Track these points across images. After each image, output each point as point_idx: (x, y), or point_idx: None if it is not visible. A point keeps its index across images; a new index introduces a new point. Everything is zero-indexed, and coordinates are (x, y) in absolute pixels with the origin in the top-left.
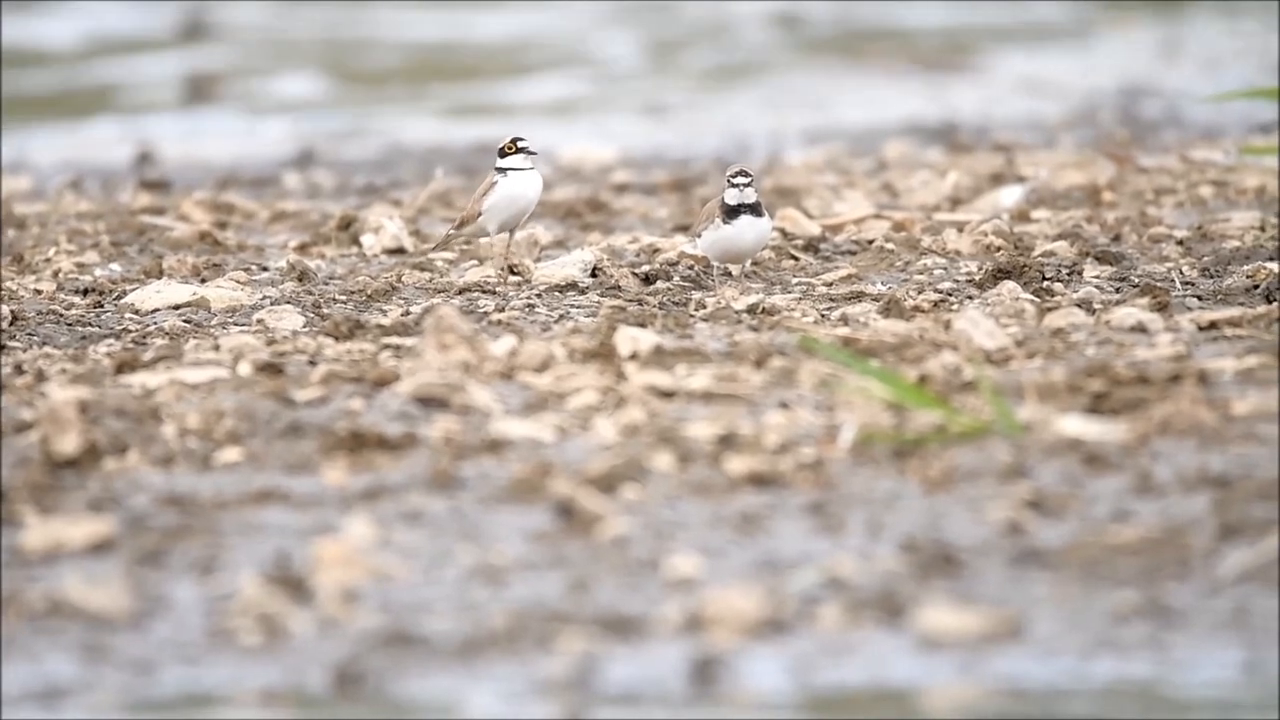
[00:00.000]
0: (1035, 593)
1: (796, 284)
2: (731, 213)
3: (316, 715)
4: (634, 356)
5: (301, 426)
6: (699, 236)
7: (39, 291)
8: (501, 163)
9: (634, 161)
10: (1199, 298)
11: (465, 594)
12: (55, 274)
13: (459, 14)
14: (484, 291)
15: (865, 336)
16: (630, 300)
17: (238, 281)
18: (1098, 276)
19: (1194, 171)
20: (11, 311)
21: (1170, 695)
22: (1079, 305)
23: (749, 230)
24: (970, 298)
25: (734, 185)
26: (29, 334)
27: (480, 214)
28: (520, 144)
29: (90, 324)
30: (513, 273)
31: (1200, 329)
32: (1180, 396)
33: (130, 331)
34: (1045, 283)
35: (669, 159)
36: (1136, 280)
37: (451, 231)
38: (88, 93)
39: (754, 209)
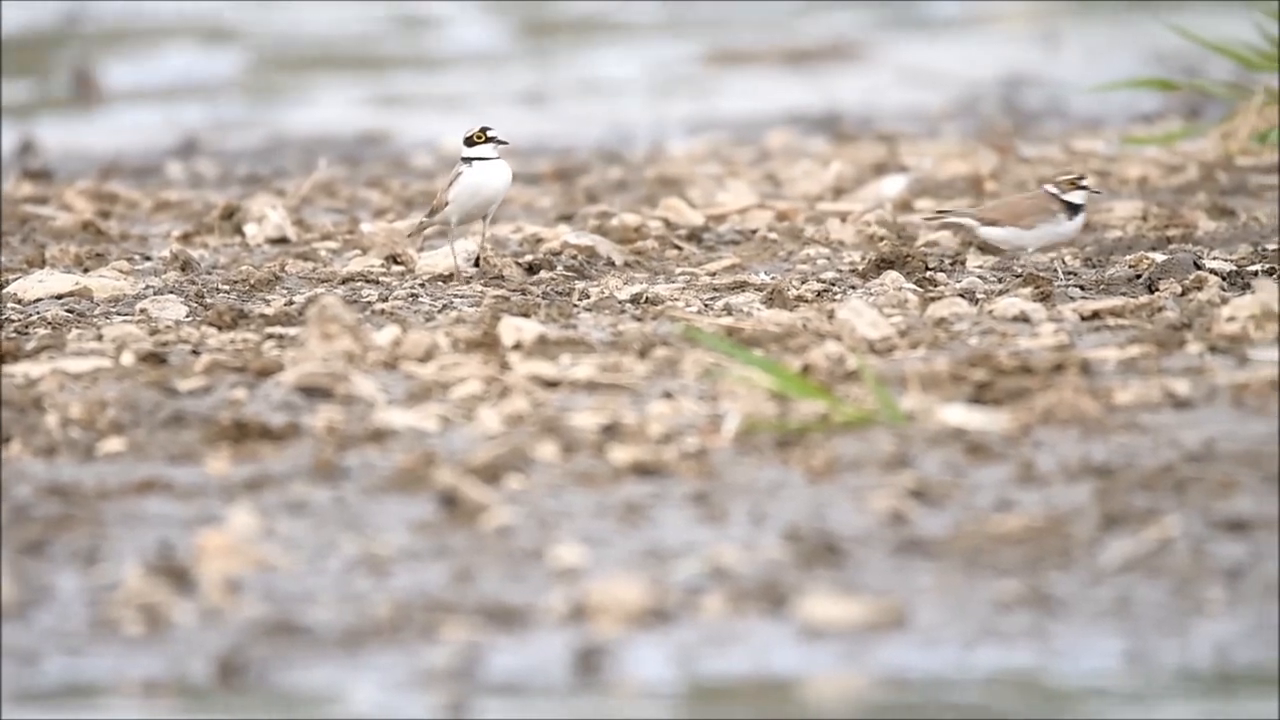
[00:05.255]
0: (918, 582)
1: (680, 274)
2: (467, 161)
3: (199, 705)
4: (518, 346)
5: (184, 416)
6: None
7: None
8: (468, 152)
9: (516, 151)
10: (1081, 287)
11: (349, 584)
12: None
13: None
14: (368, 281)
15: (749, 326)
16: (514, 290)
17: (121, 271)
18: (980, 266)
19: (1076, 161)
20: None
21: (1053, 684)
22: (962, 295)
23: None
24: (853, 287)
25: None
26: None
27: (447, 204)
28: (489, 133)
29: None
30: (396, 262)
31: (1083, 318)
32: (1063, 386)
33: (13, 321)
34: (928, 272)
35: (551, 149)
36: (1019, 270)
37: (424, 220)
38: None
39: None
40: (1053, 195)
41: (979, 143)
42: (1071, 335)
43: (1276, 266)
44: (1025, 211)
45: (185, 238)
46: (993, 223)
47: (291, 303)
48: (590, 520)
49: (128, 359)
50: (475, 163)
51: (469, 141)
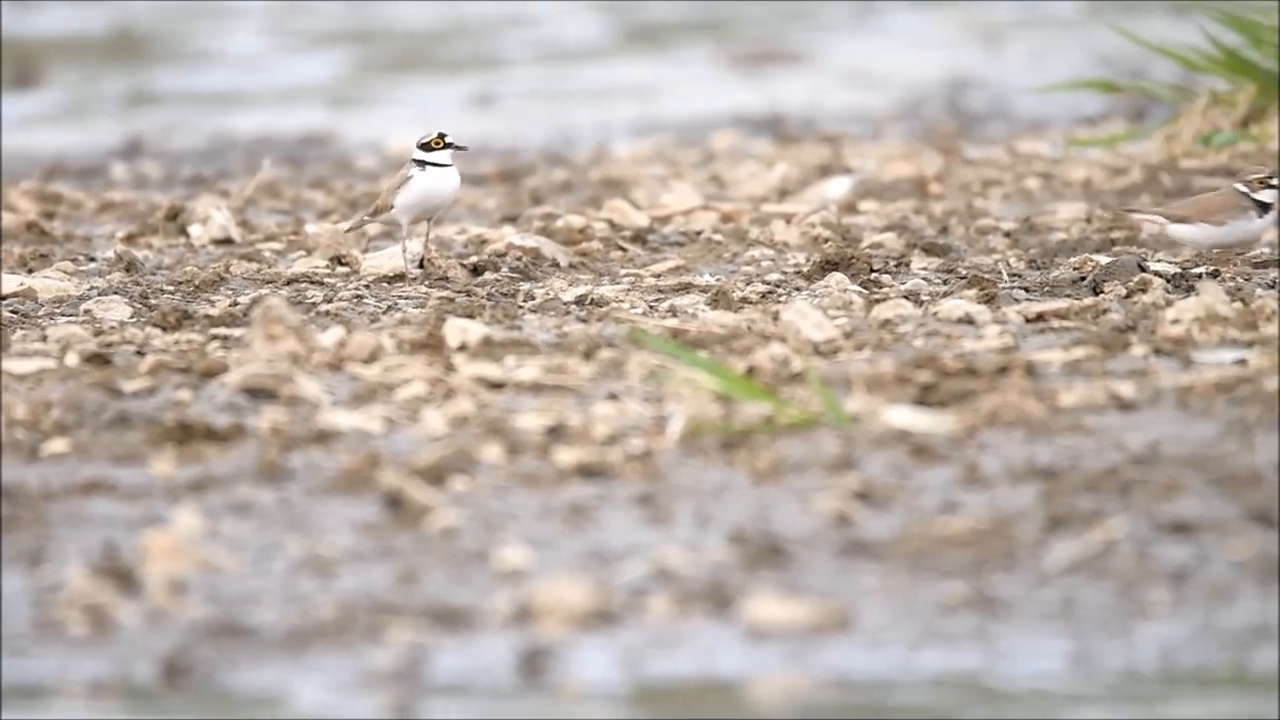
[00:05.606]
0: (863, 584)
1: (625, 275)
2: (420, 164)
3: (144, 706)
4: (463, 348)
5: (129, 417)
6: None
7: None
8: (422, 156)
9: (461, 153)
10: (1026, 289)
11: (293, 585)
12: None
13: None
14: (312, 282)
15: (693, 328)
16: (459, 291)
17: (65, 272)
18: (925, 268)
19: (1020, 163)
20: None
21: (997, 686)
22: (907, 297)
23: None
24: (798, 289)
25: None
26: None
27: (393, 207)
28: (448, 140)
29: None
30: (341, 263)
31: (1027, 320)
32: (1008, 388)
33: None
34: (873, 274)
35: (496, 150)
36: (964, 272)
37: (365, 216)
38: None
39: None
40: (1242, 193)
41: (923, 144)
42: (1016, 337)
43: (1220, 269)
44: (1216, 208)
45: (130, 239)
46: (1183, 219)
47: (236, 304)
48: (535, 522)
49: (72, 360)
50: (429, 168)
51: (426, 147)
